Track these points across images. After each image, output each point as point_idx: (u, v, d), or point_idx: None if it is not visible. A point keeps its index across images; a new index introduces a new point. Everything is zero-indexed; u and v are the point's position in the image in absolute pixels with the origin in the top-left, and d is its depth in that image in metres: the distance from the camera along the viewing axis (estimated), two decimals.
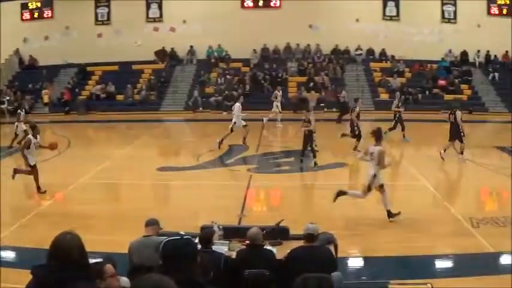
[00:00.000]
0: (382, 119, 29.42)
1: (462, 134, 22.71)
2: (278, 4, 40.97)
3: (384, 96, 38.64)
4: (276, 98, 32.34)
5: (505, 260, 13.12)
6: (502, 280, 11.44)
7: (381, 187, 15.03)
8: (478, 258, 12.93)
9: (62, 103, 39.08)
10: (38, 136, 17.75)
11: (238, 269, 8.38)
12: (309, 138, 20.83)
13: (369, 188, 15.02)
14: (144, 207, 15.03)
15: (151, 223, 9.45)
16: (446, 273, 12.13)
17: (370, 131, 16.18)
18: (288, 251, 8.96)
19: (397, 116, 27.26)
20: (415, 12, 41.77)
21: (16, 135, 24.94)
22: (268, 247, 9.48)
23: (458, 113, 22.83)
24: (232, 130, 25.04)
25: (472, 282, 11.39)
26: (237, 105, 25.80)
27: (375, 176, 14.97)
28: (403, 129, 27.09)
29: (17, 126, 25.01)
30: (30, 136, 17.72)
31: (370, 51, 42.42)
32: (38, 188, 17.27)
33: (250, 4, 41.26)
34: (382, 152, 14.92)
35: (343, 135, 24.99)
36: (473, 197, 19.34)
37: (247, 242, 8.87)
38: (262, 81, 38.97)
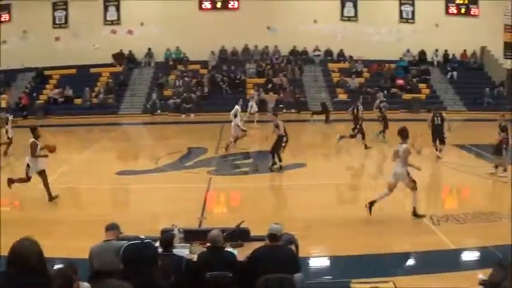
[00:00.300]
0: (340, 119, 29.54)
1: (444, 135, 23.49)
2: (236, 6, 40.96)
3: (342, 96, 38.87)
4: (253, 97, 32.28)
5: (466, 256, 13.32)
6: (464, 277, 11.58)
7: (414, 183, 15.48)
8: (439, 255, 13.07)
9: (20, 108, 38.58)
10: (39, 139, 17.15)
11: (200, 272, 8.36)
12: (278, 142, 20.56)
13: (393, 186, 15.57)
14: (104, 211, 14.95)
15: (112, 227, 9.37)
16: (408, 271, 12.26)
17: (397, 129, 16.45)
18: (250, 252, 8.98)
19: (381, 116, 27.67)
20: (373, 12, 42.10)
21: (9, 140, 24.44)
22: (229, 249, 9.48)
23: (444, 115, 23.77)
24: (244, 131, 25.93)
25: (433, 279, 11.52)
26: (236, 108, 26.06)
27: (408, 174, 15.47)
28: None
29: (6, 131, 24.55)
30: (34, 140, 16.95)
31: (328, 52, 42.62)
32: (50, 195, 16.81)
33: (208, 6, 41.19)
34: (407, 150, 15.46)
35: (342, 137, 25.41)
36: (434, 194, 19.55)
37: (208, 244, 8.85)
38: (221, 83, 38.94)
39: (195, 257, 9.01)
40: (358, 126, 25.23)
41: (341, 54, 42.72)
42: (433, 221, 15.42)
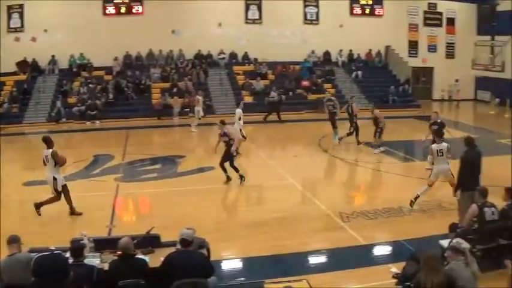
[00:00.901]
0: (249, 121, 29.73)
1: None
2: (140, 10, 40.58)
3: (248, 99, 39.05)
4: (198, 102, 32.07)
5: (378, 251, 13.66)
6: (377, 271, 11.92)
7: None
8: (351, 251, 13.39)
9: None
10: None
11: (112, 280, 8.36)
12: (229, 153, 19.85)
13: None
14: (11, 224, 14.63)
15: (13, 240, 9.13)
16: (320, 268, 12.49)
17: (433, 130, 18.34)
18: (162, 258, 9.02)
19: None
20: (277, 14, 42.46)
21: None
22: (141, 256, 9.50)
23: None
24: (244, 137, 25.22)
25: (346, 275, 11.81)
26: (238, 111, 25.90)
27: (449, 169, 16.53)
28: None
29: None
30: (51, 150, 15.98)
31: (233, 55, 42.70)
32: (72, 209, 16.11)
33: (112, 11, 40.59)
34: (449, 148, 16.65)
35: (341, 138, 26.78)
36: (341, 192, 19.91)
37: (119, 252, 8.85)
38: (126, 89, 38.56)
39: (106, 266, 8.99)
40: (353, 124, 26.56)
41: (246, 57, 42.84)
42: (342, 218, 15.77)
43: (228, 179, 19.68)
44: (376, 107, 27.41)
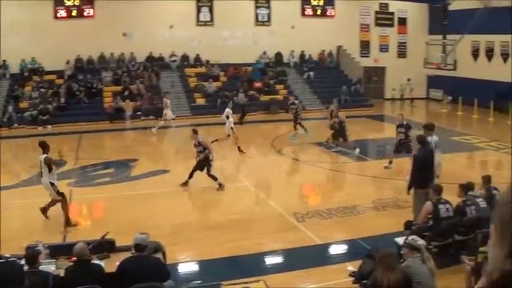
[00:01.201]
0: (198, 123, 29.75)
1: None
2: (92, 14, 40.19)
3: (200, 101, 39.03)
4: (167, 105, 31.88)
5: (334, 250, 13.84)
6: (334, 270, 12.07)
7: None
8: (306, 251, 13.52)
9: None
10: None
11: (68, 286, 8.35)
12: (205, 163, 19.58)
13: None
14: None
15: None
16: (277, 268, 12.60)
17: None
18: (118, 262, 9.04)
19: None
20: (229, 16, 42.41)
21: None
22: (96, 261, 9.50)
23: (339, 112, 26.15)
24: (234, 132, 25.72)
25: (303, 274, 11.93)
26: (227, 110, 26.23)
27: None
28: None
29: None
30: (45, 156, 15.90)
31: (185, 57, 42.61)
32: (67, 220, 15.57)
33: (64, 14, 40.09)
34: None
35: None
36: (296, 192, 20.09)
37: (74, 258, 8.85)
38: (77, 93, 38.24)
39: (62, 272, 8.96)
40: (335, 125, 26.61)
41: (198, 59, 42.79)
42: (297, 218, 15.91)
43: (221, 186, 19.39)
44: (339, 109, 27.80)
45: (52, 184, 15.81)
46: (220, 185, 19.30)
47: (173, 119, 31.97)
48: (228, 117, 25.85)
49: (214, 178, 19.38)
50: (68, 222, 15.52)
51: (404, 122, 22.25)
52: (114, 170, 22.75)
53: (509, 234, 2.43)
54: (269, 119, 35.86)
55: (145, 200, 18.13)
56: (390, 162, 21.86)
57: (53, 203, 15.90)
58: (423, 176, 14.46)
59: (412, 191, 14.76)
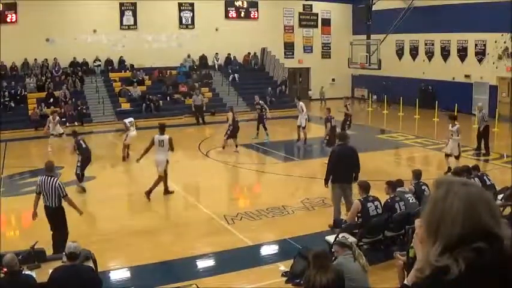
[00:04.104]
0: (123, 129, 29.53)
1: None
2: (14, 19, 39.39)
3: (125, 105, 38.77)
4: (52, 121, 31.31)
5: (265, 251, 14.00)
6: (266, 270, 12.24)
7: None
8: (238, 253, 13.63)
9: None
10: None
11: None
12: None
13: None
14: None
15: None
16: (209, 271, 12.63)
17: None
18: (50, 269, 9.00)
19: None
20: (152, 20, 42.25)
21: None
22: (27, 272, 9.44)
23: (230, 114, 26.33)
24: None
25: (236, 276, 12.03)
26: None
27: None
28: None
29: None
30: (168, 137, 18.97)
31: (109, 62, 42.28)
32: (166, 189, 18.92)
33: None
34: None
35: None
36: (224, 195, 20.20)
37: (5, 269, 8.79)
38: (2, 100, 37.56)
39: None
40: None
41: (122, 63, 42.58)
42: (227, 220, 16.04)
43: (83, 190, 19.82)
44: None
45: (167, 162, 18.65)
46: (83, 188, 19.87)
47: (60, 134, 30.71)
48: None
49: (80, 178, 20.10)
50: (167, 191, 18.89)
51: (332, 118, 22.98)
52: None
53: (445, 230, 2.55)
54: (195, 122, 35.90)
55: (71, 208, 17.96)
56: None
57: (159, 180, 18.64)
58: (339, 170, 14.78)
59: (330, 185, 15.09)
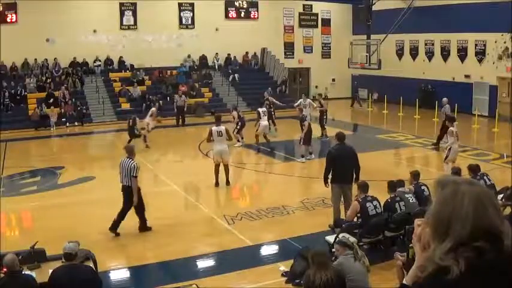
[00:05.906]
0: (125, 129, 29.56)
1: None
2: (14, 19, 39.37)
3: (125, 106, 38.76)
4: (152, 115, 31.35)
5: (265, 251, 13.98)
6: (266, 270, 12.23)
7: None
8: (238, 253, 13.62)
9: None
10: None
11: None
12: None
13: None
14: None
15: None
16: (209, 271, 12.63)
17: None
18: (50, 270, 8.99)
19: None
20: (152, 20, 42.20)
21: None
22: (27, 272, 9.44)
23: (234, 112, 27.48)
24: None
25: (235, 276, 12.02)
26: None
27: None
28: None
29: None
30: (225, 127, 20.16)
31: (109, 62, 42.28)
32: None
33: None
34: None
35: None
36: (225, 195, 20.14)
37: (5, 269, 8.78)
38: (1, 100, 37.53)
39: None
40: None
41: (122, 63, 42.56)
42: (227, 220, 16.03)
43: None
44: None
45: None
46: None
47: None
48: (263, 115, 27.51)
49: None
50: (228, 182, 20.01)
51: (305, 116, 23.40)
52: (41, 178, 22.43)
53: (456, 229, 2.51)
54: (196, 122, 35.88)
55: (73, 207, 17.98)
56: (302, 156, 22.85)
57: (227, 168, 20.08)
58: (338, 171, 14.77)
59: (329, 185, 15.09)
